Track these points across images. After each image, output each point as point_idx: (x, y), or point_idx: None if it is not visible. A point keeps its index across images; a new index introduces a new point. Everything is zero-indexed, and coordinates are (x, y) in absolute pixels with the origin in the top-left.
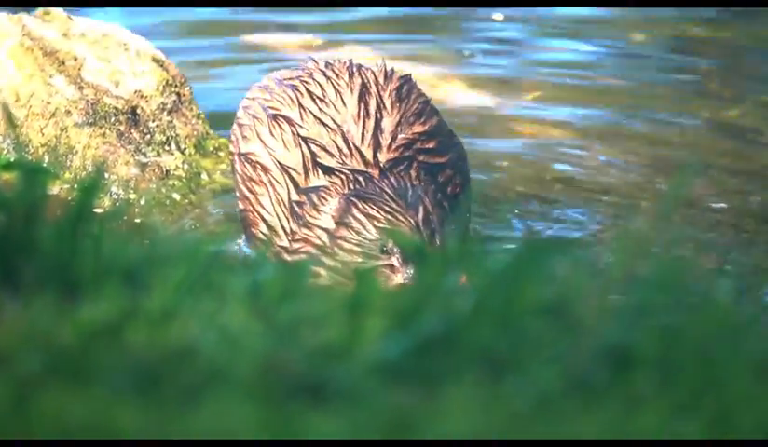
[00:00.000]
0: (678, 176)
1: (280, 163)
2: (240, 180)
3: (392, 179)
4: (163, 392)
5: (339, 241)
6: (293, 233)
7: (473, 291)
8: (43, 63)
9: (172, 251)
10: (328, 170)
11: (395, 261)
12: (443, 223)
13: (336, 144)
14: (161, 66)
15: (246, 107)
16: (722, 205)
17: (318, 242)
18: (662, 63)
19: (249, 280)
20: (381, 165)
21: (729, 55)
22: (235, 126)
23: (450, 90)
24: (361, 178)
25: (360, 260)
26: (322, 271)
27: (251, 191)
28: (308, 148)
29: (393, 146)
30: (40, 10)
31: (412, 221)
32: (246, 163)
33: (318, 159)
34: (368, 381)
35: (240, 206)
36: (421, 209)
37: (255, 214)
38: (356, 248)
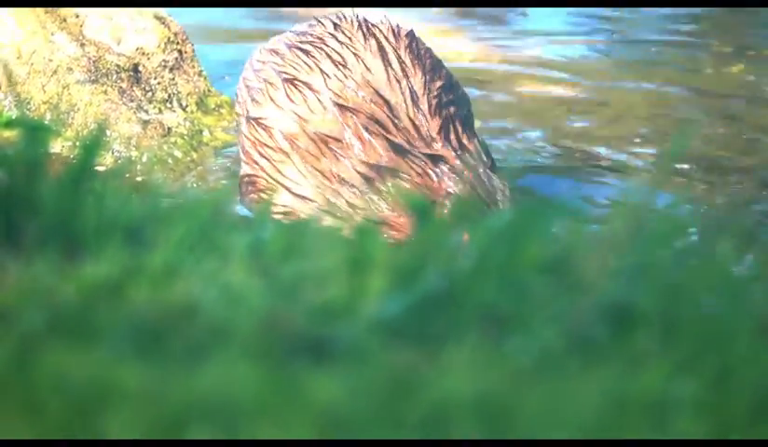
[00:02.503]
0: (677, 135)
1: (312, 131)
2: (248, 143)
3: (451, 154)
4: (165, 350)
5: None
6: (354, 207)
7: (475, 248)
8: (44, 20)
9: (174, 209)
10: (401, 151)
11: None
12: (497, 183)
13: (387, 116)
14: (163, 23)
15: (257, 70)
16: (723, 162)
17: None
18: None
19: (251, 237)
20: (439, 140)
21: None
22: (242, 86)
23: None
24: (426, 159)
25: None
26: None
27: (264, 156)
28: (351, 115)
29: (432, 111)
30: None
31: (483, 187)
32: (258, 128)
33: (371, 130)
34: (370, 339)
35: (248, 170)
36: (480, 172)
37: (271, 181)
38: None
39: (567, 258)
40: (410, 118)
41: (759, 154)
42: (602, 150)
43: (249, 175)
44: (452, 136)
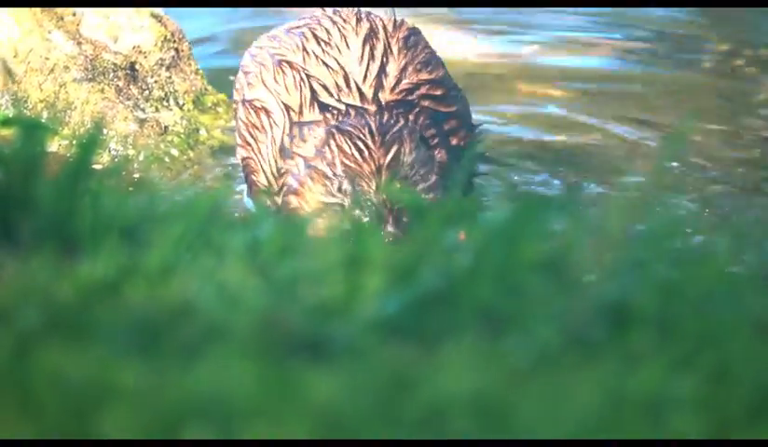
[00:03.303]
0: (674, 132)
1: (282, 103)
2: (242, 126)
3: (385, 115)
4: (162, 348)
5: (311, 171)
6: (279, 171)
7: (472, 247)
8: (41, 19)
9: (171, 208)
10: (324, 107)
11: (346, 201)
12: (420, 170)
13: (337, 84)
14: (159, 22)
15: (254, 55)
16: (720, 160)
17: (295, 171)
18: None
19: (248, 236)
20: (381, 104)
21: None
22: (240, 74)
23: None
24: (353, 112)
25: (323, 195)
26: (300, 203)
27: (253, 137)
28: (310, 87)
29: (397, 89)
30: None
31: (376, 161)
32: (250, 109)
33: (317, 97)
34: (367, 337)
35: (243, 153)
36: (394, 150)
37: (256, 162)
38: (323, 179)
39: (564, 256)
40: (359, 87)
41: (754, 152)
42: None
43: (244, 158)
44: (401, 112)
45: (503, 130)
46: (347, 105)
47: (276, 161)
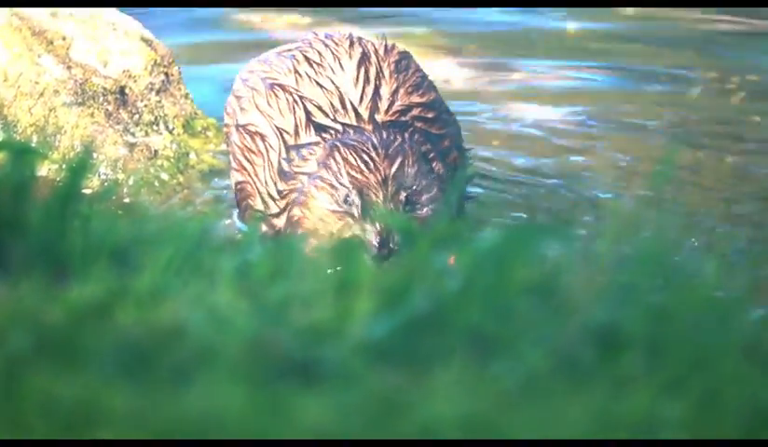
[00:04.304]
0: (664, 157)
1: (276, 127)
2: (237, 151)
3: (383, 132)
4: (152, 372)
5: (316, 181)
6: (280, 193)
7: (462, 271)
8: (31, 43)
9: (161, 232)
10: (321, 127)
11: (355, 212)
12: (423, 182)
13: (332, 104)
14: (149, 46)
15: (245, 80)
16: (712, 185)
17: (299, 187)
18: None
19: (238, 260)
20: (378, 124)
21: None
22: (231, 98)
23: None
24: (351, 131)
25: (328, 203)
26: (305, 213)
27: (249, 161)
28: (304, 108)
29: (391, 111)
30: None
31: (382, 172)
32: (245, 134)
33: (312, 118)
34: (357, 361)
35: (238, 177)
36: (398, 162)
37: (253, 186)
38: (328, 189)
39: (553, 280)
40: (355, 108)
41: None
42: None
43: (239, 182)
44: (396, 130)
45: (492, 153)
46: (343, 125)
47: (275, 183)
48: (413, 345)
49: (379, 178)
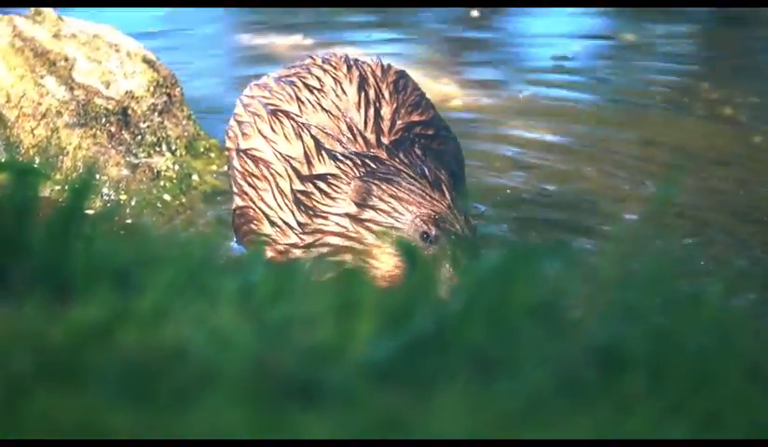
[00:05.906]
0: (665, 179)
1: (281, 154)
2: (239, 176)
3: (402, 156)
4: (154, 393)
5: (367, 224)
6: (302, 226)
7: (464, 291)
8: (34, 64)
9: (164, 253)
10: (334, 156)
11: (438, 247)
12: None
13: (341, 130)
14: (152, 67)
15: (246, 105)
16: (713, 207)
17: (336, 229)
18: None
19: (240, 281)
20: (385, 147)
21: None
22: (233, 122)
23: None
24: (369, 161)
25: (392, 242)
26: (348, 257)
27: (252, 186)
28: (311, 136)
29: (394, 130)
30: (31, 10)
31: (446, 200)
32: (247, 159)
33: (322, 145)
34: (359, 382)
35: (240, 202)
36: (444, 187)
37: (257, 210)
38: (393, 233)
39: (556, 301)
40: (362, 134)
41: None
42: (588, 196)
43: (240, 207)
44: (405, 150)
45: (493, 175)
46: (357, 154)
47: (292, 213)
48: (415, 366)
49: (444, 206)
